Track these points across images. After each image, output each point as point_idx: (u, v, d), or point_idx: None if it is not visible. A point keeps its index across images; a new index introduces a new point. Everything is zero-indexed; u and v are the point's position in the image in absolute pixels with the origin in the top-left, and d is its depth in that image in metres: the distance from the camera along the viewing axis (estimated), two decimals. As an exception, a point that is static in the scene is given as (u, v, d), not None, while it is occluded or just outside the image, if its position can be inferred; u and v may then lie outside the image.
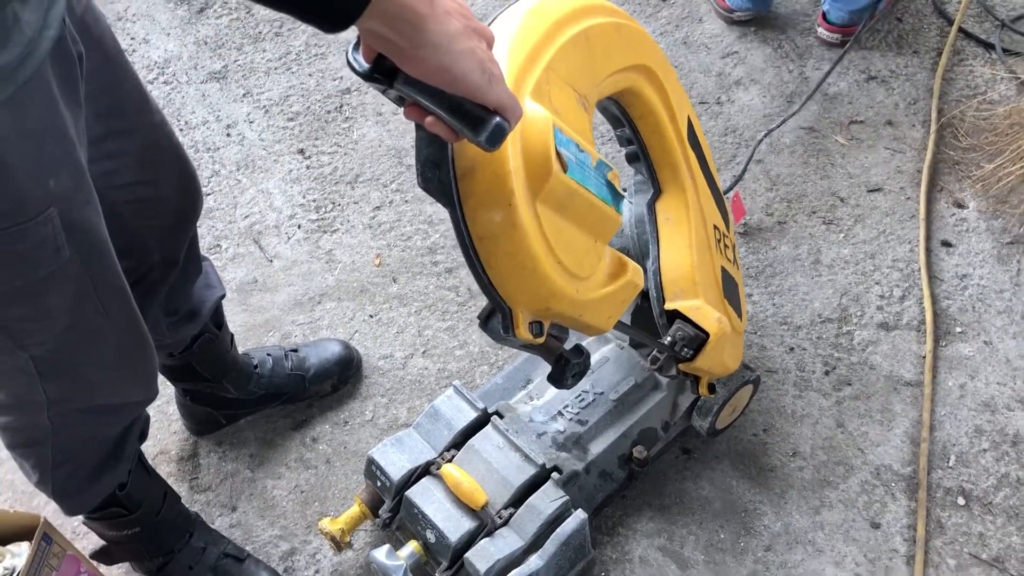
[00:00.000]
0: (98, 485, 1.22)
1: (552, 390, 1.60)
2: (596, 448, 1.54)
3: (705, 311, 1.35)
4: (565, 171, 0.89)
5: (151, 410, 1.27)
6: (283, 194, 2.04)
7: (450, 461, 1.44)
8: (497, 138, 0.73)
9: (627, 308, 1.55)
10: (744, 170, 1.94)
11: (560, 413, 1.56)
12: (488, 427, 1.49)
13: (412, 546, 1.42)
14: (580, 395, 1.59)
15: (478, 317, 0.96)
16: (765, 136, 2.02)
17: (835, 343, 1.78)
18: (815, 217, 1.98)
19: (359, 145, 2.13)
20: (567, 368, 1.05)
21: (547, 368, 1.07)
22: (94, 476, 1.20)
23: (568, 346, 1.07)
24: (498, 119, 0.72)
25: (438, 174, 0.84)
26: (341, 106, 2.20)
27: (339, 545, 1.46)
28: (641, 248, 1.40)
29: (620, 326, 1.21)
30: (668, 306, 1.36)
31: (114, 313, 0.99)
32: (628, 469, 1.57)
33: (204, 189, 1.99)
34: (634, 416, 1.58)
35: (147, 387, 1.17)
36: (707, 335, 1.34)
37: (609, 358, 1.64)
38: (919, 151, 2.07)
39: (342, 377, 1.70)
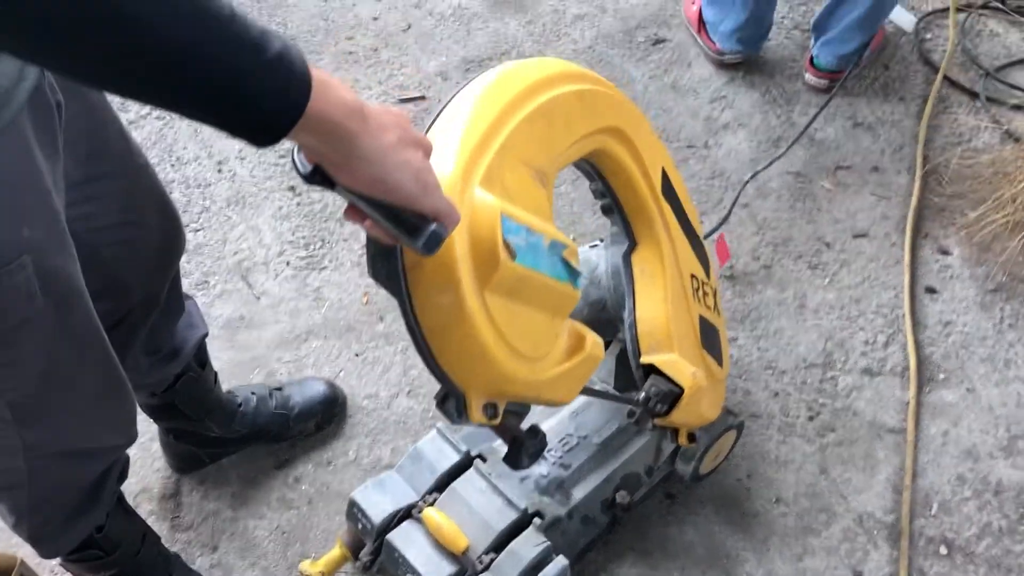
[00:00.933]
0: (74, 530, 1.21)
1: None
2: (579, 493, 1.54)
3: (679, 366, 1.35)
4: (514, 258, 0.90)
5: (133, 447, 1.27)
6: (272, 231, 2.04)
7: (432, 504, 1.43)
8: (433, 245, 0.74)
9: (612, 353, 1.57)
10: (729, 213, 1.96)
11: (543, 457, 1.56)
12: (471, 470, 1.49)
13: (393, 590, 1.41)
14: (564, 439, 1.59)
15: (435, 397, 0.96)
16: (750, 179, 2.04)
17: (819, 388, 1.79)
18: (801, 261, 1.99)
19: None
20: (522, 450, 1.06)
21: (536, 412, 1.08)
22: (71, 520, 1.20)
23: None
24: (434, 226, 0.73)
25: (387, 265, 0.85)
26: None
27: (320, 588, 1.45)
28: (618, 299, 1.41)
29: (587, 391, 1.22)
30: (644, 359, 1.36)
31: (89, 360, 1.00)
32: (611, 514, 1.56)
33: (194, 224, 2.00)
34: (618, 460, 1.58)
35: (125, 432, 1.17)
36: (681, 390, 1.34)
37: (593, 402, 1.64)
38: (904, 197, 2.09)
39: (326, 416, 1.70)
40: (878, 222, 2.06)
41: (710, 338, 1.47)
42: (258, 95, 0.56)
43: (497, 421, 0.99)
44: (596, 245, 1.53)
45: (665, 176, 1.33)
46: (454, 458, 1.51)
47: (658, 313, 1.35)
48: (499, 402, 0.99)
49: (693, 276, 1.42)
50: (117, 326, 1.16)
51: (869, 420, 1.74)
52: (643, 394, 1.35)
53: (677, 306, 1.37)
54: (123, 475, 1.31)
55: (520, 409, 1.06)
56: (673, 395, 1.34)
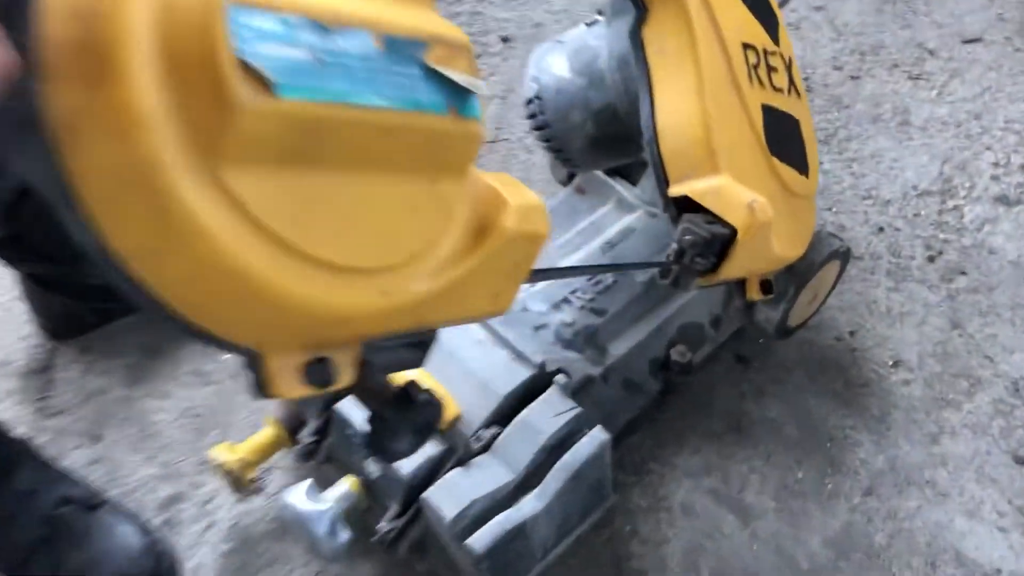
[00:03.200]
0: None
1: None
2: (618, 349, 1.06)
3: (727, 194, 0.87)
4: (275, 91, 0.41)
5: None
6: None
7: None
8: None
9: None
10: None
11: (566, 300, 1.08)
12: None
13: (347, 484, 0.94)
14: (595, 278, 1.11)
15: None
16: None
17: (939, 222, 1.30)
18: (898, 71, 1.50)
19: None
20: (387, 428, 0.60)
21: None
22: None
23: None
24: None
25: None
26: None
27: (241, 485, 0.98)
28: (631, 101, 0.92)
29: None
30: (674, 191, 0.88)
31: None
32: (663, 379, 1.09)
33: None
34: (671, 307, 1.10)
35: None
36: (731, 232, 0.86)
37: (635, 228, 1.16)
38: (1027, -6, 1.60)
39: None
40: (994, 25, 1.56)
41: (785, 137, 0.98)
42: None
43: (340, 384, 0.51)
44: (594, 23, 1.04)
45: None
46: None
47: (690, 116, 0.87)
48: (334, 353, 0.51)
49: (748, 46, 0.93)
50: None
51: (1012, 260, 1.26)
52: (674, 245, 0.87)
53: (721, 99, 0.88)
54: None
55: (389, 351, 0.56)
56: (718, 241, 0.86)
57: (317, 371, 0.49)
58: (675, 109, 0.88)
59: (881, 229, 1.30)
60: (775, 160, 0.96)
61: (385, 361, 0.55)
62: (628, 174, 1.21)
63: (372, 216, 0.49)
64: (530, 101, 1.04)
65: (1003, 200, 1.32)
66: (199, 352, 1.17)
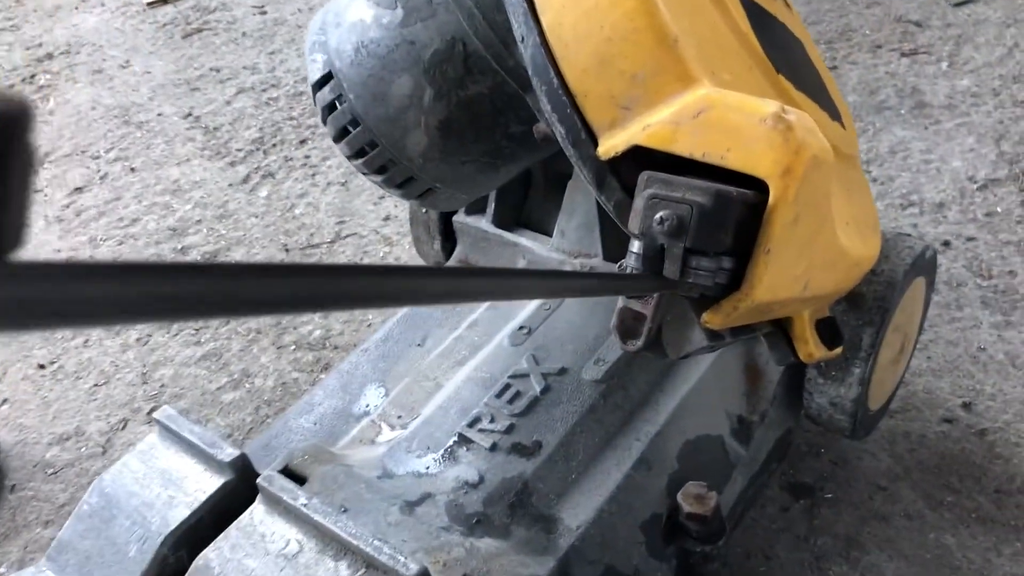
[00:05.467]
0: None
1: (443, 393, 0.61)
2: (576, 515, 0.54)
3: (725, 108, 0.40)
4: None
5: None
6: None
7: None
8: None
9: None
10: None
11: (463, 441, 0.57)
12: (256, 509, 0.49)
13: None
14: (508, 390, 0.60)
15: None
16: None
17: (1020, 215, 0.84)
18: (884, 51, 1.09)
19: (56, 115, 1.22)
20: None
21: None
22: None
23: None
24: None
25: None
26: (34, 75, 1.31)
27: None
28: (489, 23, 0.48)
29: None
30: (609, 145, 0.42)
31: None
32: (677, 557, 0.56)
33: None
34: (658, 414, 0.60)
35: None
36: (757, 187, 0.39)
37: (563, 302, 0.67)
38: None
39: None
40: (985, -17, 1.18)
41: (791, 56, 0.59)
42: None
43: None
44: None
45: None
46: (207, 486, 0.51)
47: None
48: None
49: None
50: None
51: None
52: (634, 245, 0.39)
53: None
54: None
55: None
56: (730, 213, 0.39)
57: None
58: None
59: (947, 243, 0.83)
60: (786, 82, 0.50)
61: None
62: (540, 219, 0.73)
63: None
64: (320, 84, 0.56)
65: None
66: None
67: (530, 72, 0.45)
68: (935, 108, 0.99)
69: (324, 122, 0.57)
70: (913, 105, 1.00)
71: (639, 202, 0.39)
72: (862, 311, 0.58)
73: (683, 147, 0.40)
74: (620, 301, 0.43)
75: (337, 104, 0.55)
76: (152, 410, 0.79)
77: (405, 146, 0.55)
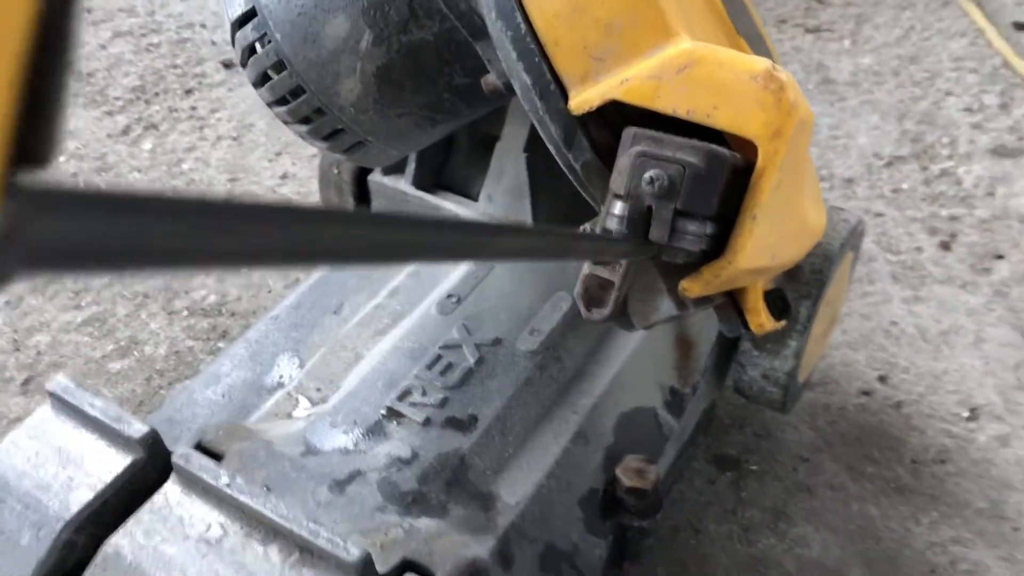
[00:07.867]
0: None
1: (365, 364, 0.57)
2: (515, 491, 0.52)
3: (714, 63, 0.38)
4: None
5: None
6: None
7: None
8: None
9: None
10: None
11: (392, 415, 0.53)
12: (170, 490, 0.44)
13: None
14: (439, 361, 0.56)
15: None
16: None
17: (931, 194, 0.87)
18: (789, 27, 1.10)
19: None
20: None
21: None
22: None
23: None
24: None
25: None
26: None
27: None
28: None
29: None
30: (580, 99, 0.39)
31: None
32: (614, 531, 0.55)
33: None
34: (594, 386, 0.58)
35: None
36: (744, 150, 0.38)
37: (493, 264, 0.63)
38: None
39: None
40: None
41: (740, 12, 0.53)
42: None
43: None
44: None
45: None
46: (110, 469, 0.45)
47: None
48: None
49: None
50: None
51: (1055, 225, 0.83)
52: (616, 205, 0.37)
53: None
54: None
55: None
56: (719, 174, 0.37)
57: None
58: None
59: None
60: (745, 45, 0.49)
61: None
62: (464, 182, 0.69)
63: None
64: (242, 22, 0.50)
65: (1002, 151, 0.90)
66: None
67: (493, 15, 0.41)
68: (840, 85, 1.01)
69: (243, 64, 0.51)
70: (819, 81, 1.02)
71: (625, 161, 0.36)
72: (799, 283, 0.58)
73: (665, 103, 0.37)
74: (585, 267, 0.40)
75: (260, 45, 0.50)
76: (27, 381, 0.71)
77: (336, 94, 0.50)
